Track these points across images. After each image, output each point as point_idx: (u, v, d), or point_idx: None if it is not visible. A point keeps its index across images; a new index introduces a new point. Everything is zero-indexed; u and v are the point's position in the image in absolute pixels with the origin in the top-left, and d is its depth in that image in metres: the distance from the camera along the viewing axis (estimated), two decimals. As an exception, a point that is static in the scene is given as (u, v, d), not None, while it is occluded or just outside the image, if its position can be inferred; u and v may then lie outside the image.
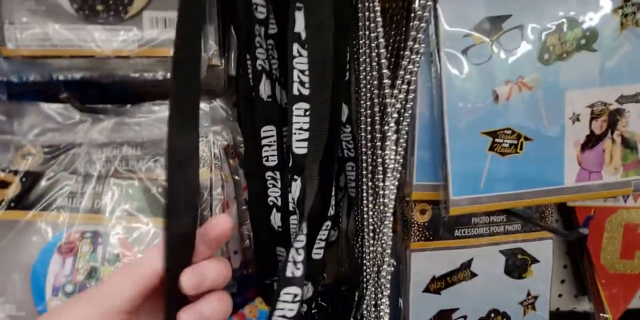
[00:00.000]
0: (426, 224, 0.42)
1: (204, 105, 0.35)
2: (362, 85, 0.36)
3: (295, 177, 0.34)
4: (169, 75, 0.29)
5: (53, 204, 0.31)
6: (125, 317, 0.22)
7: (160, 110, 0.34)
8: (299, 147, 0.33)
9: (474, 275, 0.44)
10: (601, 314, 0.56)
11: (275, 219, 0.38)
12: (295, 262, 0.25)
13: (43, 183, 0.31)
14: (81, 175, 0.32)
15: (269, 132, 0.37)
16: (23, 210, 0.31)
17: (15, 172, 0.31)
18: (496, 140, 0.35)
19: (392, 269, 0.41)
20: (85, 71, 0.32)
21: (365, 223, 0.40)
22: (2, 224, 0.30)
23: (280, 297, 0.25)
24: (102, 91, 0.38)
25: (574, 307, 0.63)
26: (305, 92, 0.32)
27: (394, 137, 0.34)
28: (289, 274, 0.25)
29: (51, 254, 0.30)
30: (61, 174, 0.32)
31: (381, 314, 0.41)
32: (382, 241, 0.39)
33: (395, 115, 0.34)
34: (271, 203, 0.38)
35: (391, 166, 0.35)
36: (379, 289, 0.41)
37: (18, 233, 0.30)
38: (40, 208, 0.31)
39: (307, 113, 0.32)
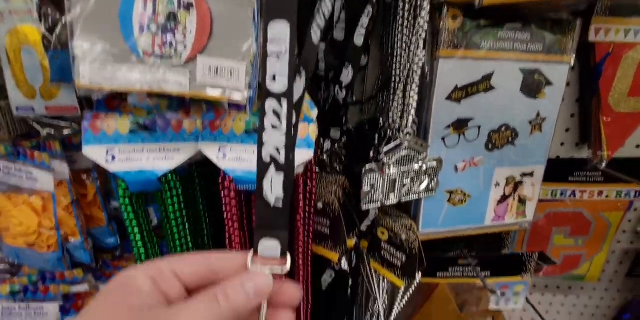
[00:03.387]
0: (456, 30, 0.45)
1: None
2: None
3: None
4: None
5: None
6: None
7: None
8: None
9: (492, 88, 0.48)
10: (598, 152, 0.62)
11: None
12: None
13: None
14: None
15: None
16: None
17: None
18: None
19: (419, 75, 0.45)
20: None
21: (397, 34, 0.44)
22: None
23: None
24: None
25: (573, 155, 0.70)
26: None
27: None
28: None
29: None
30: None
31: (407, 123, 0.46)
32: (411, 51, 0.43)
33: None
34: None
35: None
36: (408, 93, 0.46)
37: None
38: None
39: None
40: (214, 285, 0.24)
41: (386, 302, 0.58)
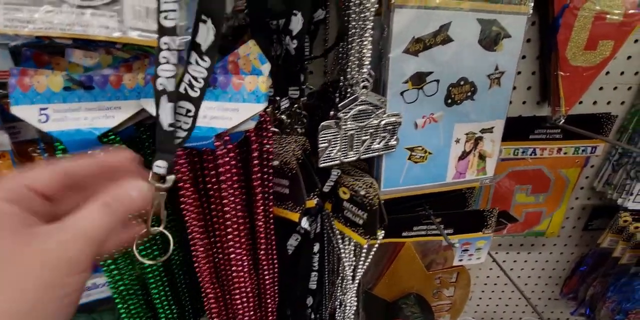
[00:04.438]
0: (411, -23, 0.43)
1: None
2: None
3: None
4: None
5: None
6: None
7: None
8: None
9: (450, 39, 0.47)
10: (556, 108, 0.63)
11: None
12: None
13: None
14: None
15: None
16: None
17: None
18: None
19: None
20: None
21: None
22: None
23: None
24: None
25: (535, 114, 0.70)
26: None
27: None
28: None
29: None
30: None
31: (363, 74, 0.45)
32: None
33: None
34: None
35: None
36: (363, 45, 0.44)
37: None
38: None
39: None
40: (82, 193, 0.23)
41: (353, 264, 0.58)
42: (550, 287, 0.96)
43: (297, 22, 0.38)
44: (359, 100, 0.44)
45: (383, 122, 0.47)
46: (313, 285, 0.60)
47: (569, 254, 0.90)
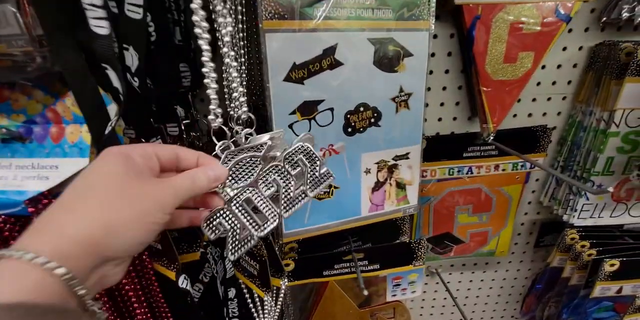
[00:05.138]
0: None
1: None
2: None
3: None
4: None
5: None
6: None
7: None
8: None
9: (339, 63, 0.42)
10: (484, 125, 0.58)
11: None
12: None
13: None
14: None
15: None
16: None
17: None
18: None
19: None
20: None
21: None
22: None
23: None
24: None
25: (467, 130, 0.66)
26: None
27: None
28: None
29: None
30: None
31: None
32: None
33: None
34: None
35: None
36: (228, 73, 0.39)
37: None
38: None
39: None
40: (176, 170, 0.33)
41: (265, 313, 0.52)
42: (512, 305, 0.91)
43: (131, 59, 0.32)
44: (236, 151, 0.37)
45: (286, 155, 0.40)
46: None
47: (526, 271, 0.85)
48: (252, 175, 0.37)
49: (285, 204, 0.39)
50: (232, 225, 0.37)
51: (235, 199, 0.37)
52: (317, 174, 0.40)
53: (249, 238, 0.37)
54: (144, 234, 0.27)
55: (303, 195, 0.40)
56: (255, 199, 0.38)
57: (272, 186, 0.38)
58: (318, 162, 0.40)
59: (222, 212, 0.37)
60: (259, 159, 0.38)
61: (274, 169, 0.39)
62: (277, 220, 0.38)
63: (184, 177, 0.31)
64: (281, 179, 0.39)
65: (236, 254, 0.37)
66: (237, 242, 0.37)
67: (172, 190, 0.30)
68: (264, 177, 0.38)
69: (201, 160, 0.34)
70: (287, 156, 0.39)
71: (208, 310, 0.49)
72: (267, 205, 0.38)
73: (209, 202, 0.37)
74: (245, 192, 0.37)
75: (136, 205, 0.27)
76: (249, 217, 0.37)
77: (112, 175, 0.27)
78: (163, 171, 0.32)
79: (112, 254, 0.26)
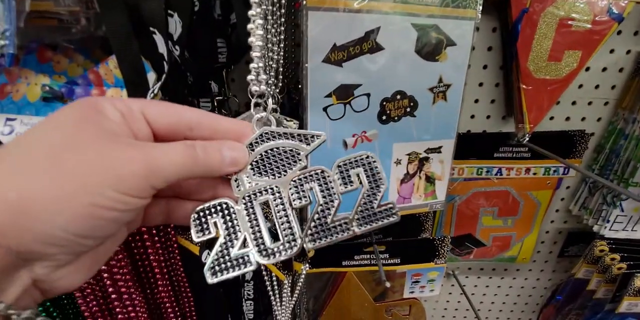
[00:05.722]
0: (326, -25, 0.37)
1: None
2: None
3: None
4: None
5: None
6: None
7: None
8: None
9: (379, 47, 0.41)
10: (520, 125, 0.57)
11: None
12: None
13: None
14: None
15: None
16: None
17: None
18: None
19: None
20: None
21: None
22: None
23: None
24: None
25: (500, 129, 0.64)
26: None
27: None
28: None
29: None
30: None
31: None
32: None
33: None
34: None
35: None
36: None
37: None
38: None
39: None
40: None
41: (283, 297, 0.52)
42: (527, 315, 0.89)
43: (174, 26, 0.32)
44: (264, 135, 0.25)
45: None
46: (250, 315, 0.54)
47: (546, 281, 0.82)
48: (286, 172, 0.25)
49: (314, 230, 0.25)
50: (230, 232, 0.24)
51: (247, 196, 0.25)
52: (375, 203, 0.25)
53: (244, 259, 0.24)
54: (78, 219, 0.18)
55: (345, 228, 0.25)
56: (277, 206, 0.25)
57: (305, 198, 0.25)
58: (382, 187, 0.25)
59: (224, 206, 0.25)
60: (302, 154, 0.25)
61: (316, 175, 0.25)
62: (294, 250, 0.24)
63: (179, 148, 0.21)
64: (322, 192, 0.25)
65: (218, 275, 0.24)
66: (224, 260, 0.24)
67: (143, 164, 0.19)
68: (299, 180, 0.25)
69: (223, 126, 0.24)
70: (341, 164, 0.25)
71: (225, 289, 0.49)
72: (287, 221, 0.25)
73: (215, 189, 0.26)
74: (265, 192, 0.25)
75: (76, 177, 0.18)
76: (257, 230, 0.25)
77: (58, 132, 0.19)
78: (163, 139, 0.23)
79: (23, 248, 0.17)
